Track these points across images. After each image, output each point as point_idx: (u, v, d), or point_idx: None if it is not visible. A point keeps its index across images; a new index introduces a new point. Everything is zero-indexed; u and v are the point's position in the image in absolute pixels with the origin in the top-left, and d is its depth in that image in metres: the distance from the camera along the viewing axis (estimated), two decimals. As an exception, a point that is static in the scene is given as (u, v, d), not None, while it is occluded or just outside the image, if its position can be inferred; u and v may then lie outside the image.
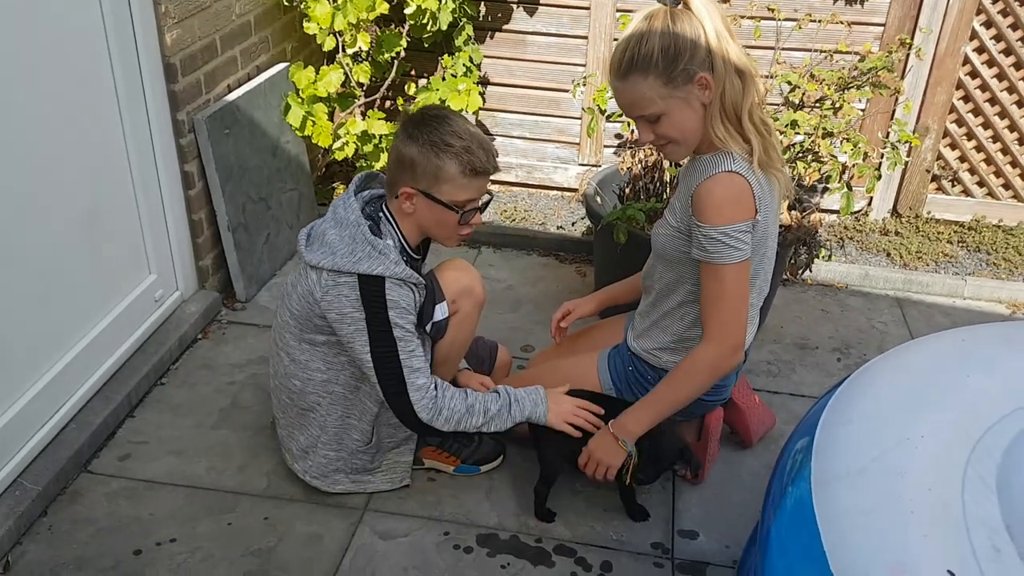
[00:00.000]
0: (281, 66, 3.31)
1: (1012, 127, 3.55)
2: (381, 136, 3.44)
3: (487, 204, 2.15)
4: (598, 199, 3.02)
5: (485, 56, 3.71)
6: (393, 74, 3.52)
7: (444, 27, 3.42)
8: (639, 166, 2.99)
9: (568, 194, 3.92)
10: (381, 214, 2.10)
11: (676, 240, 2.03)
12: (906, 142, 3.11)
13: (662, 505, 2.29)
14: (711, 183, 1.87)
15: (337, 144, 3.39)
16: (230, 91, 3.00)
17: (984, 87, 3.50)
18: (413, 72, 3.84)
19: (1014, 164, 3.61)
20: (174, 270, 2.85)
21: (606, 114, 3.08)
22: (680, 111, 1.87)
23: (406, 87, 3.68)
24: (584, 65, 3.67)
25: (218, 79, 2.92)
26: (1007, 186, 3.66)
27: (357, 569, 2.07)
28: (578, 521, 2.23)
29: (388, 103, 3.85)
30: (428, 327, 2.16)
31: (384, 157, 3.55)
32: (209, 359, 2.80)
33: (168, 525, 2.17)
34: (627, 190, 3.10)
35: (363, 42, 3.26)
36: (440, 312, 2.17)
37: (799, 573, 1.34)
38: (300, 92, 3.32)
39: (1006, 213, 3.68)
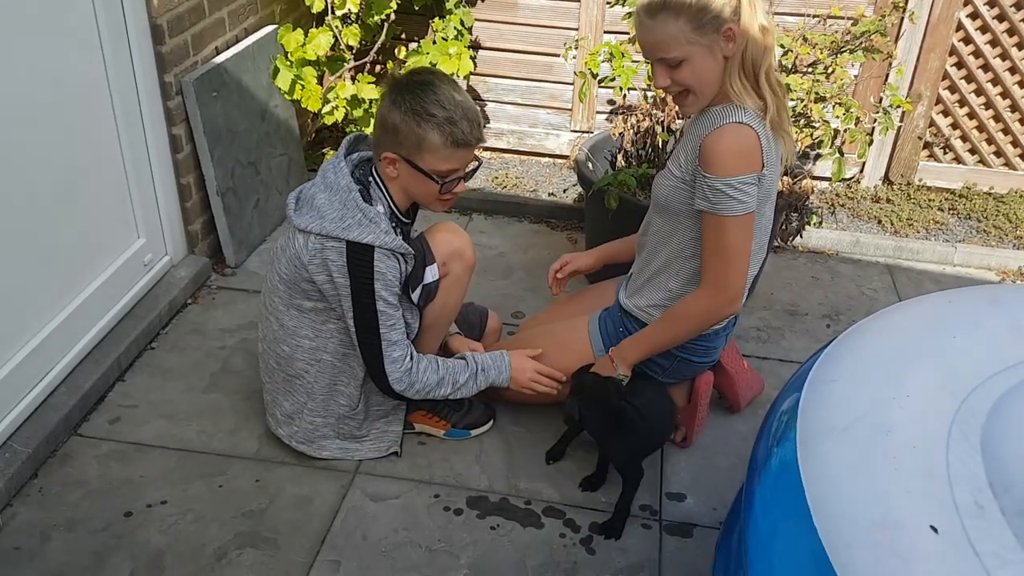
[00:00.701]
0: (270, 28, 3.27)
1: (1004, 94, 3.54)
2: (371, 100, 3.42)
3: (474, 172, 2.12)
4: (589, 165, 3.01)
5: (476, 19, 3.68)
6: (383, 37, 3.49)
7: (435, -11, 3.39)
8: (631, 131, 2.97)
9: (560, 161, 3.90)
10: (371, 178, 2.09)
11: (679, 191, 2.03)
12: (898, 107, 3.10)
13: (651, 468, 2.30)
14: (720, 133, 1.90)
15: (326, 108, 3.36)
16: (218, 53, 2.96)
17: (977, 53, 3.49)
18: (403, 35, 3.80)
19: (1006, 131, 3.60)
20: (163, 235, 2.83)
21: (598, 79, 3.05)
22: (702, 59, 1.88)
23: (396, 51, 3.64)
24: (576, 29, 3.64)
25: (206, 41, 2.88)
26: (998, 153, 3.65)
27: (348, 530, 2.08)
28: (567, 484, 2.24)
29: (378, 67, 3.82)
30: (418, 291, 2.16)
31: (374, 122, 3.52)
32: (199, 324, 2.79)
33: (159, 487, 2.17)
34: (619, 156, 3.08)
35: (352, 4, 3.23)
36: (430, 274, 2.17)
37: (783, 531, 1.35)
38: (289, 55, 3.29)
39: (997, 181, 3.68)
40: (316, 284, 2.04)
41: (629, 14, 2.89)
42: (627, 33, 3.53)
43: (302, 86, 3.31)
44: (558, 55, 3.70)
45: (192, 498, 2.15)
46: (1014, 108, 3.55)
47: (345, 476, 2.23)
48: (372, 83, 3.39)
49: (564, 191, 3.66)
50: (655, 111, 3.00)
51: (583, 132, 3.81)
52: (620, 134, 2.97)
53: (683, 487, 2.25)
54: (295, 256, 2.05)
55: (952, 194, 3.70)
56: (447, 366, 2.15)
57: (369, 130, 3.55)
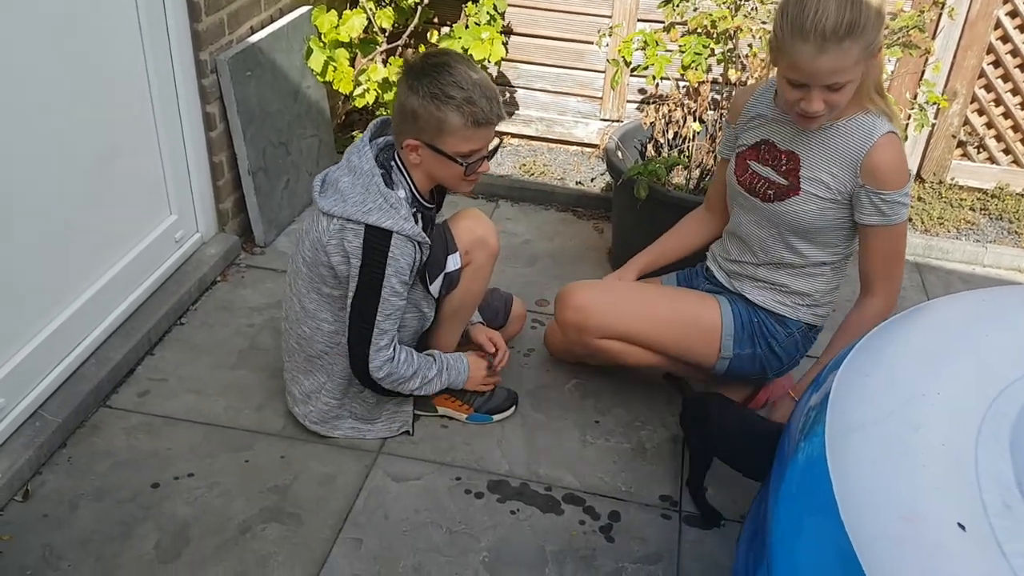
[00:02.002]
0: (304, 9, 3.28)
1: (1042, 94, 3.49)
2: (402, 84, 3.42)
3: (495, 150, 2.11)
4: (619, 154, 3.00)
5: (509, 5, 3.67)
6: (416, 20, 3.49)
7: (469, -27, 3.38)
8: (663, 121, 2.96)
9: (588, 149, 3.89)
10: (393, 163, 2.09)
11: (829, 211, 2.03)
12: (934, 104, 3.07)
13: (672, 460, 2.31)
14: (882, 149, 1.92)
15: (358, 91, 3.37)
16: (253, 33, 2.98)
17: (1015, 52, 3.44)
18: (436, 19, 3.80)
19: (1042, 132, 3.56)
20: (194, 212, 2.86)
21: (631, 67, 3.04)
22: (857, 81, 1.87)
23: (428, 34, 3.64)
24: (610, 16, 3.62)
25: (241, 20, 2.90)
26: (1034, 154, 3.61)
27: (370, 509, 2.10)
28: (588, 472, 2.25)
29: (410, 50, 3.82)
30: (439, 279, 2.16)
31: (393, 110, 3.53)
32: (228, 301, 2.82)
33: (186, 460, 2.20)
34: (649, 146, 3.08)
35: (387, -13, 3.23)
36: (452, 263, 2.17)
37: (809, 525, 1.35)
38: (322, 36, 3.30)
39: (1031, 181, 3.64)
40: (333, 268, 2.05)
41: (668, 1, 2.87)
42: (661, 22, 3.51)
43: (334, 68, 3.32)
44: (590, 42, 3.68)
45: (218, 471, 2.18)
46: (1051, 109, 3.51)
47: (368, 456, 2.25)
48: (404, 66, 3.40)
49: (592, 180, 3.66)
50: (688, 101, 2.98)
51: (613, 121, 3.79)
52: (652, 124, 2.96)
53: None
54: (317, 239, 2.06)
55: (984, 194, 3.66)
56: (420, 361, 2.18)
57: (399, 113, 3.56)
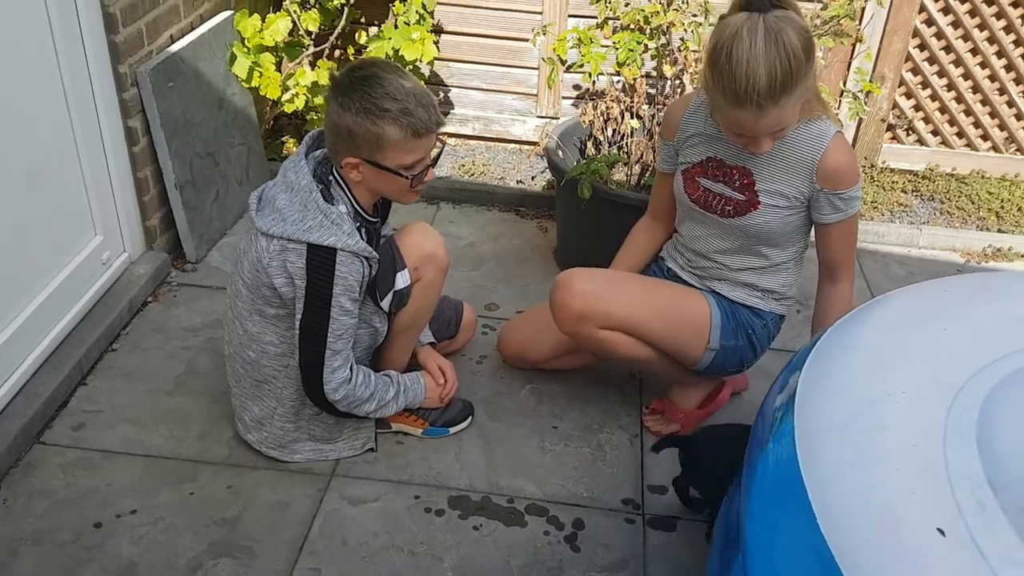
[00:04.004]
0: (225, 14, 3.16)
1: (966, 75, 3.56)
2: (333, 88, 3.33)
3: (438, 156, 2.05)
4: (560, 153, 2.96)
5: (439, 3, 3.59)
6: (343, 21, 3.40)
7: (396, -29, 3.30)
8: (601, 119, 2.93)
9: (526, 147, 3.85)
10: (332, 177, 2.01)
11: (791, 218, 2.05)
12: (867, 91, 3.10)
13: (632, 463, 2.29)
14: (837, 152, 1.94)
15: (286, 96, 3.27)
16: (173, 42, 2.85)
17: (940, 35, 3.51)
18: (363, 19, 3.70)
19: (967, 112, 3.63)
20: (120, 231, 2.73)
21: (566, 65, 3.00)
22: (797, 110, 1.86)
23: (356, 35, 3.55)
24: (541, 13, 3.58)
25: (160, 29, 2.77)
26: (960, 134, 3.69)
27: (327, 535, 2.03)
28: (549, 480, 2.21)
29: (337, 52, 3.72)
30: (388, 296, 2.10)
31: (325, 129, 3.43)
32: (161, 323, 2.70)
33: (128, 496, 2.10)
34: (588, 143, 3.04)
35: (313, -12, 3.13)
36: (402, 280, 2.11)
37: (785, 528, 1.33)
38: (246, 41, 3.19)
39: (959, 162, 3.71)
40: (276, 289, 1.97)
41: (599, -1, 2.84)
42: (593, 17, 3.48)
43: (260, 73, 3.21)
44: (523, 39, 3.64)
45: (163, 506, 2.08)
46: (975, 89, 3.58)
47: (321, 479, 2.18)
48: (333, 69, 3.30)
49: (532, 179, 3.62)
50: (624, 97, 2.96)
51: (550, 118, 3.76)
52: (590, 122, 2.93)
53: (664, 480, 2.23)
54: (256, 260, 1.98)
55: (915, 176, 3.73)
56: (377, 382, 2.11)
57: (331, 118, 3.46)
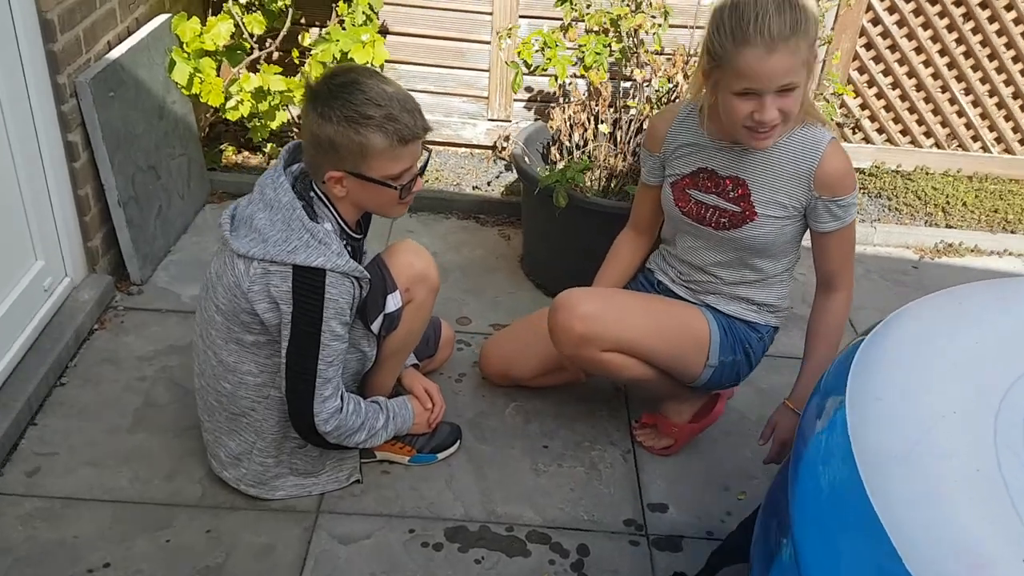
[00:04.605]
0: (163, 18, 2.96)
1: (910, 73, 3.63)
2: (278, 92, 3.16)
3: (426, 164, 1.95)
4: (527, 159, 2.87)
5: (384, 2, 3.45)
6: (287, 23, 3.23)
7: (341, -31, 3.15)
8: (568, 124, 2.86)
9: (478, 151, 3.74)
10: (313, 193, 1.88)
11: (787, 228, 2.00)
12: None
13: (628, 480, 2.22)
14: (834, 158, 1.90)
15: (230, 103, 3.09)
16: (111, 48, 2.65)
17: (885, 34, 3.55)
18: (303, 20, 3.52)
19: (912, 110, 3.70)
20: (62, 254, 2.52)
21: (532, 68, 2.91)
22: (804, 86, 1.79)
23: (300, 38, 3.38)
24: (490, 13, 3.48)
25: (98, 35, 2.57)
26: (905, 132, 3.75)
27: (321, 580, 1.90)
28: (547, 503, 2.13)
29: (277, 54, 3.54)
30: (378, 320, 1.98)
31: (280, 116, 3.27)
32: (111, 352, 2.50)
33: (98, 548, 1.92)
34: (553, 148, 2.96)
35: (258, -11, 2.96)
36: (393, 303, 1.99)
37: (851, 554, 1.29)
38: (185, 46, 3.00)
39: (904, 158, 3.78)
40: (258, 315, 1.83)
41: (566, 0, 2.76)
42: (544, 17, 3.42)
43: (201, 79, 3.02)
44: (472, 40, 3.53)
45: (138, 557, 1.91)
46: (919, 87, 3.65)
47: (307, 517, 2.04)
48: (279, 73, 3.13)
49: (488, 184, 3.52)
50: (590, 102, 2.89)
51: (501, 121, 3.66)
52: (558, 128, 2.85)
53: (663, 497, 2.18)
54: (234, 284, 1.83)
55: (862, 173, 3.78)
56: (368, 411, 1.99)
57: (275, 124, 3.30)
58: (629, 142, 2.83)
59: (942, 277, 3.21)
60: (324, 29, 3.44)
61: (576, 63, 2.88)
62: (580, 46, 2.79)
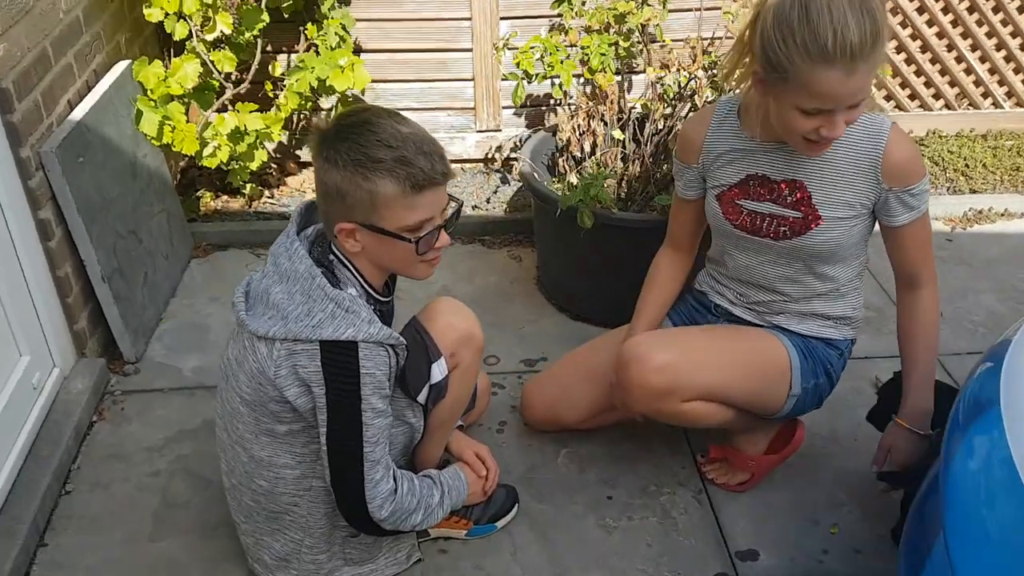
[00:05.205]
0: (122, 65, 2.70)
1: (915, 35, 3.47)
2: (255, 132, 2.91)
3: (457, 215, 1.73)
4: (536, 175, 2.66)
5: (356, 20, 3.20)
6: (259, 55, 2.98)
7: (308, -10, 2.91)
8: (576, 133, 2.65)
9: (469, 165, 3.51)
10: (333, 256, 1.67)
11: (855, 228, 1.82)
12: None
13: (707, 526, 2.03)
14: (899, 144, 1.74)
15: (207, 151, 2.83)
16: (72, 108, 2.39)
17: (885, -3, 3.38)
18: (270, 48, 3.27)
19: (919, 73, 3.54)
20: (47, 344, 2.27)
21: (534, 76, 2.69)
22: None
23: (270, 68, 3.13)
24: (469, 18, 3.25)
25: (57, 96, 2.31)
26: (913, 96, 3.61)
27: None
28: (625, 567, 1.94)
29: (245, 88, 3.28)
30: (425, 391, 1.76)
31: (259, 155, 3.02)
32: (115, 447, 2.26)
33: None
34: (561, 160, 2.75)
35: (224, 25, 2.70)
36: (439, 371, 1.78)
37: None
38: (150, 92, 2.74)
39: (915, 123, 3.58)
40: (289, 401, 1.62)
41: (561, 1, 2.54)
42: (525, 18, 3.20)
43: (172, 127, 2.77)
44: (452, 49, 3.31)
45: None
46: (924, 48, 3.50)
47: (366, 616, 1.83)
48: (256, 111, 2.88)
49: (488, 201, 3.30)
50: (597, 105, 2.68)
51: (492, 131, 3.44)
52: (567, 139, 2.63)
53: (750, 541, 1.99)
54: (258, 371, 1.62)
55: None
56: (422, 489, 1.77)
57: (255, 165, 3.05)
58: (647, 145, 2.62)
59: (980, 248, 3.07)
60: (294, 55, 3.20)
61: (580, 67, 2.66)
62: (583, 48, 2.57)
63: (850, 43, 1.50)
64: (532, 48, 2.64)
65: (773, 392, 1.91)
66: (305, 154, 3.51)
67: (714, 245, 2.03)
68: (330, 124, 1.62)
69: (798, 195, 1.81)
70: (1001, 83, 3.56)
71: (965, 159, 3.47)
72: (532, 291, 2.87)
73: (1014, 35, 3.46)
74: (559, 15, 2.84)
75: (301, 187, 3.46)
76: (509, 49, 2.72)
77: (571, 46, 2.67)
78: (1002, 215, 3.22)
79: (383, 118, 1.59)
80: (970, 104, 3.60)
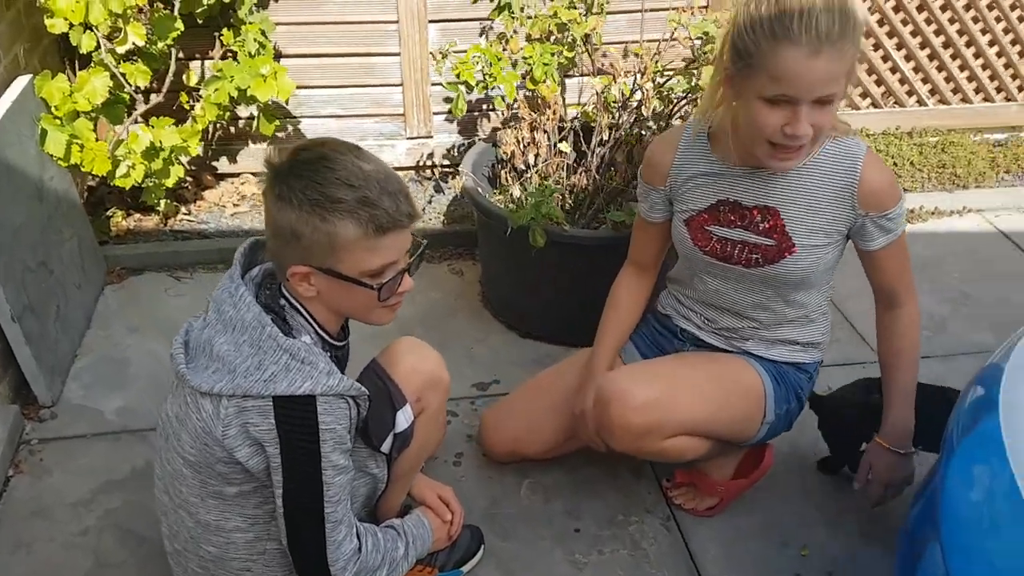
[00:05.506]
0: (23, 81, 2.47)
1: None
2: (171, 148, 2.71)
3: (421, 257, 1.60)
4: (479, 189, 2.55)
5: (275, 23, 3.02)
6: (173, 66, 2.77)
7: (224, -6, 2.72)
8: (520, 146, 2.55)
9: (401, 174, 3.36)
10: (284, 300, 1.53)
11: (829, 254, 1.77)
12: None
13: (677, 553, 1.97)
14: (874, 169, 1.69)
15: (120, 170, 2.62)
16: (-31, 131, 2.17)
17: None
18: (182, 55, 3.05)
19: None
20: (-48, 396, 2.05)
21: (477, 86, 2.57)
22: (841, 99, 1.57)
23: (185, 78, 2.93)
24: (396, 21, 3.11)
25: (-48, 120, 2.08)
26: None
27: None
28: (601, 603, 1.87)
29: (163, 101, 3.06)
30: (389, 441, 1.64)
31: (176, 171, 2.83)
32: (37, 503, 2.06)
33: None
34: (503, 172, 2.65)
35: (138, 36, 2.49)
36: (404, 419, 1.66)
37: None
38: (55, 109, 2.51)
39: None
40: (240, 463, 1.47)
41: (504, 9, 2.43)
42: (454, 20, 3.09)
43: (80, 146, 2.55)
44: (378, 53, 3.16)
45: None
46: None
47: None
48: (173, 124, 2.69)
49: (423, 211, 3.17)
50: (539, 116, 2.58)
51: (423, 138, 3.31)
52: (511, 152, 2.53)
53: (721, 568, 1.94)
54: (203, 431, 1.46)
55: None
56: (386, 542, 1.64)
57: (170, 182, 2.85)
58: (592, 157, 2.54)
59: (913, 248, 3.02)
60: (209, 62, 3.00)
61: (522, 77, 2.56)
62: (526, 58, 2.47)
63: (815, 23, 1.46)
64: (474, 58, 2.51)
65: (750, 421, 1.86)
66: (223, 165, 3.32)
67: (679, 267, 1.97)
68: (284, 159, 1.47)
69: (770, 222, 1.75)
70: (925, 80, 3.61)
71: (893, 157, 3.52)
72: (477, 307, 2.76)
73: (938, 33, 3.51)
74: (490, 19, 2.73)
75: (220, 201, 3.27)
76: (445, 56, 2.58)
77: (512, 56, 2.55)
78: (932, 213, 3.27)
79: (342, 153, 1.45)
80: (895, 102, 3.64)
